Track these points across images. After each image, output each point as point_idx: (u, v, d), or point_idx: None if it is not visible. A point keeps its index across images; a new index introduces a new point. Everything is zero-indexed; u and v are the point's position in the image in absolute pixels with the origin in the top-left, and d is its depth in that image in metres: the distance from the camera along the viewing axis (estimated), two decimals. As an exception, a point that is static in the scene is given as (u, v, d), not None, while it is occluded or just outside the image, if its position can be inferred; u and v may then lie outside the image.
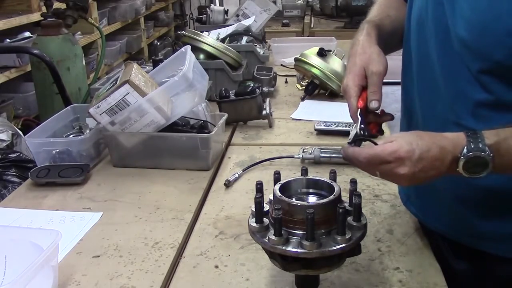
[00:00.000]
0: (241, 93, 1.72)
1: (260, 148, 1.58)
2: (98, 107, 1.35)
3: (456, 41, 0.88)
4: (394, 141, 0.80)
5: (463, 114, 0.90)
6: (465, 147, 0.78)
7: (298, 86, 2.21)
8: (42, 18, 2.55)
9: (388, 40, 1.06)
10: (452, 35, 0.89)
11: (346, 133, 1.57)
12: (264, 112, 1.71)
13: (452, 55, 0.90)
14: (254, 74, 2.07)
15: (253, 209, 0.83)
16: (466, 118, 0.90)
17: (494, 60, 0.83)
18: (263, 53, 2.37)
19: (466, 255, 1.03)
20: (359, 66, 0.95)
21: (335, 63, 1.95)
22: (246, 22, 2.72)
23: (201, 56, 2.07)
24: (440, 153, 0.79)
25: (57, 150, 1.41)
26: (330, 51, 2.00)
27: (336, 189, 0.83)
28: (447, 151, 0.79)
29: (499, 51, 0.82)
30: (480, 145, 0.78)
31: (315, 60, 1.95)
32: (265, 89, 1.92)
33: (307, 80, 2.06)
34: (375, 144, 0.85)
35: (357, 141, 0.90)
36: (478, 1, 0.84)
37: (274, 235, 0.79)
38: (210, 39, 2.15)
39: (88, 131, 1.53)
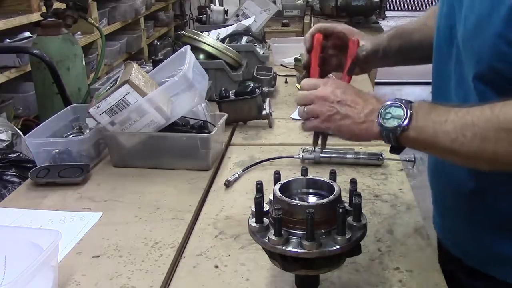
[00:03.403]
0: (241, 93, 1.71)
1: (260, 148, 1.58)
2: (98, 107, 1.35)
3: (458, 44, 0.88)
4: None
5: None
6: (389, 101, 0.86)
7: (298, 86, 2.21)
8: (42, 18, 2.54)
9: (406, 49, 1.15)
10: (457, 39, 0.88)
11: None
12: (264, 112, 1.71)
13: (460, 62, 0.88)
14: (254, 74, 2.06)
15: (253, 209, 0.83)
16: None
17: (485, 63, 0.81)
18: (263, 53, 2.37)
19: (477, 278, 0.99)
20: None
21: (335, 63, 1.95)
22: (246, 22, 2.72)
23: (201, 56, 2.07)
24: (365, 95, 0.91)
25: (57, 150, 1.41)
26: (330, 51, 2.00)
27: (336, 189, 0.83)
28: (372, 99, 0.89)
29: (489, 53, 0.80)
30: (401, 99, 0.85)
31: (315, 60, 1.94)
32: (265, 89, 1.92)
33: (307, 80, 2.05)
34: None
35: None
36: (473, 0, 0.83)
37: (274, 235, 0.79)
38: (210, 39, 2.15)
39: (88, 131, 1.53)
